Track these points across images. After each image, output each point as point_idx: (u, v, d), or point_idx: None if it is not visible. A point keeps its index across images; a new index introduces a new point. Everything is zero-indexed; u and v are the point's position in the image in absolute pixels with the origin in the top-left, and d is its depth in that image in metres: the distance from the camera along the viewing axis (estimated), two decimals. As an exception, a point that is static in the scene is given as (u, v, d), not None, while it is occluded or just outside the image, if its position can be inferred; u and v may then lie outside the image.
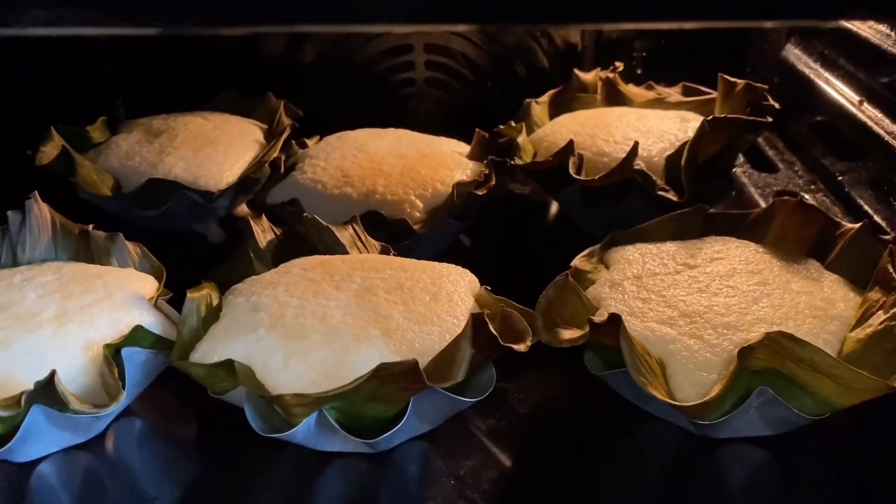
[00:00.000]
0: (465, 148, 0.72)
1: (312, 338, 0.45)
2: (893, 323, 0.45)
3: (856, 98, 0.70)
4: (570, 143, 0.64)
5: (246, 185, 0.71)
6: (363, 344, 0.44)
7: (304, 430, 0.43)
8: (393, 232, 0.61)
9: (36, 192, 0.56)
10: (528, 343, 0.43)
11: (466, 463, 0.47)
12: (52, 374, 0.41)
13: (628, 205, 0.65)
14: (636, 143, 0.62)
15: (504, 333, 0.43)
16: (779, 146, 0.82)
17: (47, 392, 0.41)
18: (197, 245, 0.72)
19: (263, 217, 0.57)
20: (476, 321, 0.41)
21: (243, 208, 0.76)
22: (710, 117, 0.63)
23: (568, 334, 0.46)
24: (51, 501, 0.46)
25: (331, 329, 0.45)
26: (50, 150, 0.69)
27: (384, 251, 0.58)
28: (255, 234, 0.55)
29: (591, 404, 0.52)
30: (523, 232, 0.75)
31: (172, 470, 0.49)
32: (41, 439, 0.45)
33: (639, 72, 0.91)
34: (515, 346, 0.42)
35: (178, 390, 0.52)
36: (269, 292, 0.49)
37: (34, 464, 0.47)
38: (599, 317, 0.45)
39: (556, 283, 0.49)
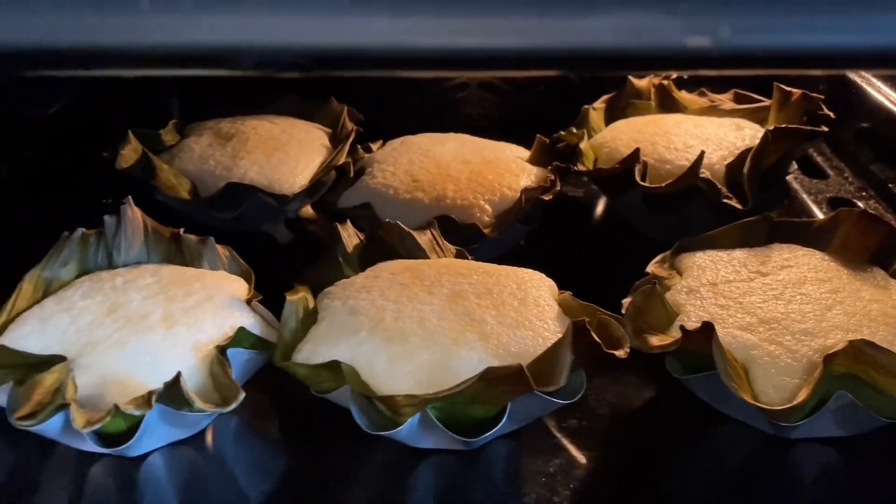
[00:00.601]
0: (525, 152, 0.75)
1: (413, 341, 0.47)
2: (966, 331, 0.47)
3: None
4: (636, 152, 0.66)
5: (314, 189, 0.73)
6: (462, 348, 0.47)
7: (407, 429, 0.45)
8: (463, 236, 0.63)
9: (129, 198, 0.59)
10: (627, 350, 0.46)
11: (554, 461, 0.50)
12: (178, 375, 0.43)
13: (689, 210, 0.67)
14: (702, 153, 0.64)
15: (601, 340, 0.45)
16: (826, 152, 0.84)
17: (173, 392, 0.43)
18: (266, 245, 0.75)
19: (348, 223, 0.59)
20: (577, 328, 0.43)
21: (307, 209, 0.79)
22: (773, 127, 0.65)
23: (657, 340, 0.48)
24: (158, 492, 0.49)
25: (429, 333, 0.48)
26: (129, 154, 0.71)
27: (459, 255, 0.60)
28: (343, 240, 0.57)
29: (667, 405, 0.54)
30: (579, 235, 0.77)
31: (268, 464, 0.51)
32: (153, 435, 0.48)
33: (685, 77, 0.92)
34: (617, 353, 0.45)
35: (271, 389, 0.55)
36: (365, 296, 0.51)
37: (142, 457, 0.50)
38: (687, 324, 0.47)
39: (644, 291, 0.51)
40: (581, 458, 0.50)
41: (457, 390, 0.43)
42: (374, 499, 0.49)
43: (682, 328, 0.46)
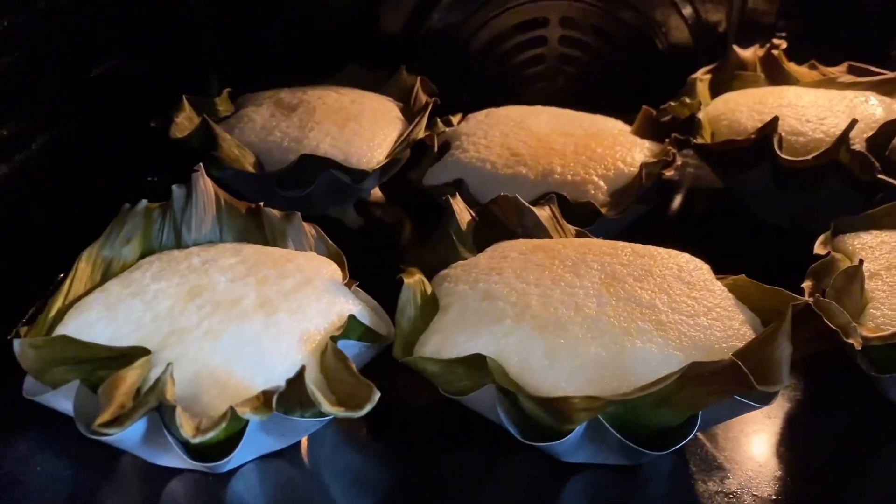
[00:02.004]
0: (625, 126, 0.66)
1: (574, 331, 0.39)
2: None
3: None
4: (775, 120, 0.58)
5: (389, 166, 0.64)
6: (637, 339, 0.38)
7: (572, 439, 0.37)
8: (576, 215, 0.55)
9: (201, 165, 0.50)
10: (860, 338, 0.37)
11: (730, 481, 0.41)
12: (302, 370, 0.34)
13: (823, 189, 0.59)
14: (854, 121, 0.56)
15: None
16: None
17: (296, 392, 0.34)
18: (334, 231, 0.65)
19: (458, 197, 0.50)
20: (800, 312, 0.34)
21: (377, 192, 0.70)
22: (930, 95, 0.57)
23: (872, 332, 0.39)
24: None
25: (592, 322, 0.39)
26: (184, 123, 0.62)
27: (580, 235, 0.52)
28: (456, 215, 0.48)
29: (844, 409, 0.46)
30: (684, 219, 0.69)
31: (370, 481, 0.43)
32: (246, 447, 0.39)
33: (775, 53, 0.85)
34: (852, 341, 0.36)
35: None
36: (497, 278, 0.43)
37: (229, 473, 0.41)
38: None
39: (847, 272, 0.43)
40: (758, 475, 0.41)
41: (652, 391, 0.34)
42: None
43: (914, 315, 0.38)
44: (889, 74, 0.69)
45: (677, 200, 0.71)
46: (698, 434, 0.44)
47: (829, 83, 0.71)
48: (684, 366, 0.34)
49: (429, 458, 0.43)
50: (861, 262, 0.43)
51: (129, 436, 0.36)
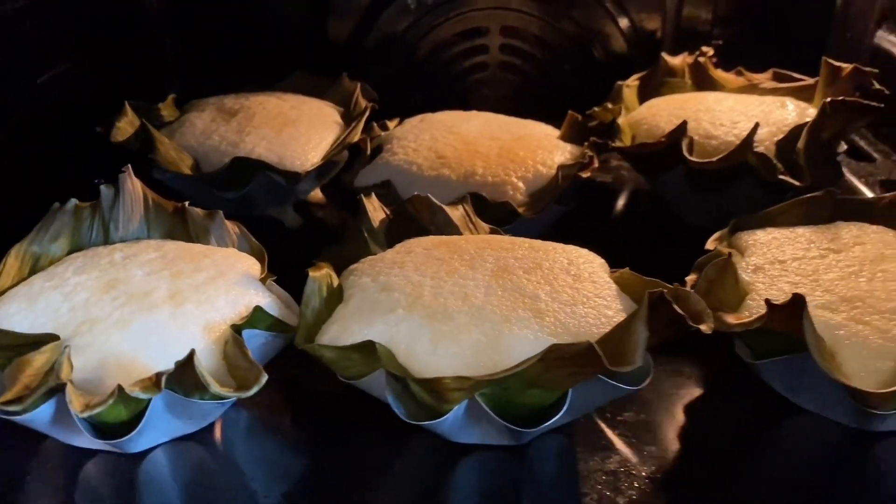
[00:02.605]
0: (554, 131, 0.69)
1: (458, 319, 0.41)
2: None
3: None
4: (683, 124, 0.61)
5: (326, 169, 0.67)
6: (515, 326, 0.41)
7: (453, 418, 0.40)
8: (495, 215, 0.57)
9: (129, 166, 0.53)
10: (711, 324, 0.40)
11: (614, 458, 0.44)
12: (192, 353, 0.37)
13: (734, 190, 0.62)
14: (756, 124, 0.59)
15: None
16: (868, 136, 0.79)
17: (185, 373, 0.37)
18: (273, 230, 0.68)
19: (373, 196, 0.53)
20: (653, 299, 0.37)
21: (317, 193, 0.73)
22: (831, 99, 0.60)
23: (734, 319, 0.42)
24: (160, 494, 0.42)
25: (476, 310, 0.42)
26: (125, 127, 0.65)
27: (493, 233, 0.54)
28: (368, 213, 0.51)
29: (730, 396, 0.49)
30: (609, 219, 0.72)
31: (283, 464, 0.45)
32: (155, 428, 0.42)
33: (714, 60, 0.88)
34: (701, 327, 0.39)
35: (286, 379, 0.49)
36: (398, 272, 0.46)
37: (142, 454, 0.43)
38: (766, 299, 0.41)
39: (717, 264, 0.46)
40: (642, 455, 0.44)
41: (515, 371, 0.37)
42: (404, 503, 0.42)
43: (767, 303, 0.41)
44: (808, 81, 0.72)
45: (608, 201, 0.74)
46: (592, 416, 0.46)
47: (752, 89, 0.74)
48: (544, 348, 0.37)
49: (336, 442, 0.46)
50: (730, 255, 0.46)
51: (39, 416, 0.39)
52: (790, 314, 0.40)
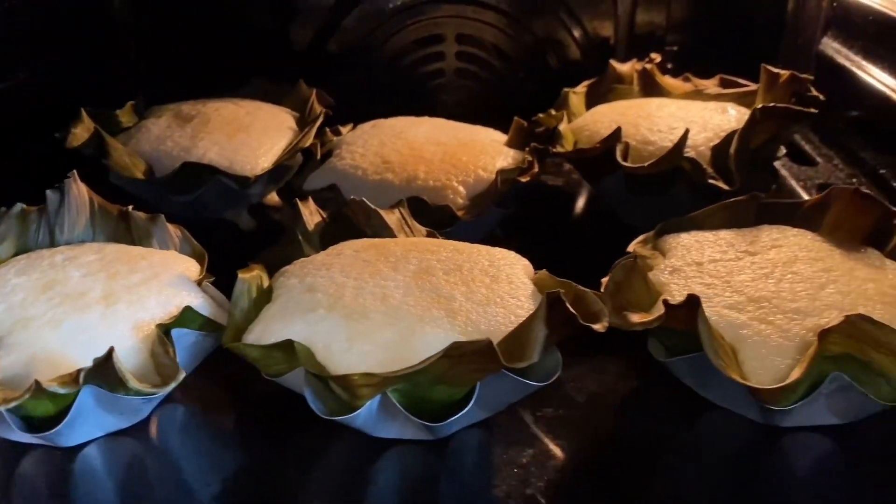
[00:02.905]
0: (503, 136, 0.71)
1: (374, 318, 0.43)
2: (968, 309, 0.44)
3: (896, 85, 0.69)
4: (618, 130, 0.63)
5: (278, 173, 0.69)
6: (427, 325, 0.43)
7: (366, 414, 0.42)
8: (435, 218, 0.59)
9: (75, 172, 0.55)
10: (605, 323, 0.42)
11: (527, 452, 0.46)
12: (111, 351, 0.39)
13: (672, 194, 0.64)
14: (686, 130, 0.61)
15: (579, 314, 0.41)
16: (815, 140, 0.81)
17: (104, 370, 0.39)
18: (228, 233, 0.71)
19: (310, 200, 0.55)
20: (551, 300, 0.39)
21: (273, 197, 0.75)
22: (761, 106, 0.62)
23: (638, 318, 0.44)
24: (95, 488, 0.44)
25: (392, 310, 0.44)
26: (81, 132, 0.67)
27: (430, 236, 0.56)
28: (303, 217, 0.53)
29: (648, 393, 0.51)
30: (559, 223, 0.74)
31: (216, 458, 0.47)
32: (87, 422, 0.44)
33: (669, 66, 0.90)
34: (595, 326, 0.41)
35: (222, 377, 0.51)
36: (324, 273, 0.47)
37: (78, 448, 0.45)
38: (670, 298, 0.43)
39: (624, 266, 0.48)
40: (557, 449, 0.46)
41: (418, 368, 0.39)
42: (332, 494, 0.44)
43: (664, 302, 0.43)
44: (751, 87, 0.74)
45: (556, 204, 0.76)
46: (516, 411, 0.48)
47: (698, 95, 0.76)
48: (446, 346, 0.39)
49: (267, 436, 0.48)
50: (635, 257, 0.48)
51: (-30, 413, 0.41)
52: (687, 314, 0.42)
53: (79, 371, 0.39)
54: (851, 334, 0.41)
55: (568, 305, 0.39)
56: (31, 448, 0.45)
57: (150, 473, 0.46)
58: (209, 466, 0.46)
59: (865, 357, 0.42)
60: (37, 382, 0.38)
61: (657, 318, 0.43)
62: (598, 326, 0.41)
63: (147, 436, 0.48)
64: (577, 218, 0.75)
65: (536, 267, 0.51)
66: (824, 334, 0.41)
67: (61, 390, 0.38)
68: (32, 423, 0.42)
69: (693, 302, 0.41)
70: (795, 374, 0.41)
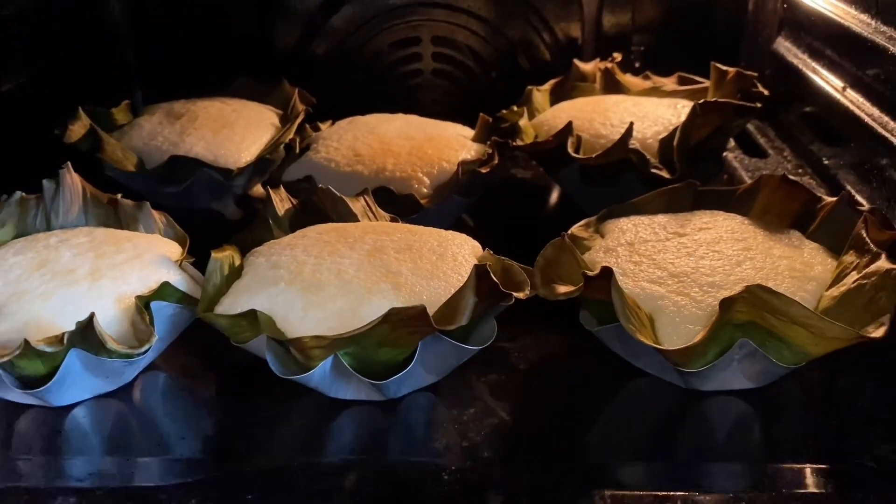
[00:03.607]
0: (470, 132, 0.76)
1: (328, 290, 0.49)
2: (865, 281, 0.49)
3: (840, 85, 0.74)
4: (569, 125, 0.68)
5: (262, 166, 0.75)
6: (375, 296, 0.48)
7: (319, 374, 0.47)
8: (401, 206, 0.65)
9: (69, 163, 0.60)
10: (527, 292, 0.47)
11: (469, 411, 0.51)
12: (92, 315, 0.44)
13: (624, 184, 0.69)
14: (631, 124, 0.66)
15: (504, 284, 0.47)
16: (770, 134, 0.86)
17: (87, 333, 0.45)
18: (215, 222, 0.76)
19: (281, 188, 0.61)
20: (479, 271, 0.44)
21: (259, 188, 0.80)
22: (702, 101, 0.67)
23: (563, 288, 0.49)
24: (83, 443, 0.50)
25: (345, 283, 0.49)
26: (78, 129, 0.73)
27: (393, 222, 0.61)
28: (274, 203, 0.59)
29: (585, 362, 0.55)
30: (523, 212, 0.79)
31: (193, 418, 0.52)
32: (76, 384, 0.49)
33: (637, 65, 0.95)
34: (515, 294, 0.46)
35: (199, 348, 0.56)
36: (288, 252, 0.53)
37: (68, 408, 0.51)
38: (584, 272, 0.49)
39: (554, 244, 0.53)
40: (496, 409, 0.51)
41: (362, 331, 0.44)
42: (295, 448, 0.49)
43: (584, 275, 0.48)
44: (704, 83, 0.79)
45: (520, 194, 0.81)
46: (463, 376, 0.53)
47: (655, 92, 0.80)
48: (385, 311, 0.44)
49: (239, 399, 0.53)
50: (564, 235, 0.53)
51: (-28, 372, 0.46)
52: (603, 284, 0.47)
53: (63, 333, 0.45)
54: (752, 303, 0.46)
55: (492, 276, 0.44)
56: (27, 408, 0.51)
57: (134, 431, 0.51)
58: (186, 426, 0.52)
59: (767, 324, 0.47)
60: (26, 341, 0.44)
61: (577, 288, 0.48)
62: (518, 294, 0.46)
63: (131, 398, 0.53)
64: (540, 207, 0.80)
65: (494, 250, 0.56)
66: (727, 302, 0.46)
67: (48, 349, 0.44)
68: (26, 382, 0.47)
69: (607, 273, 0.46)
70: (699, 337, 0.46)
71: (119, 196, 0.60)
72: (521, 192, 0.82)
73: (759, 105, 0.70)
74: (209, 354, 0.57)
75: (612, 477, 0.46)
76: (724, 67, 0.75)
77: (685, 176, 0.65)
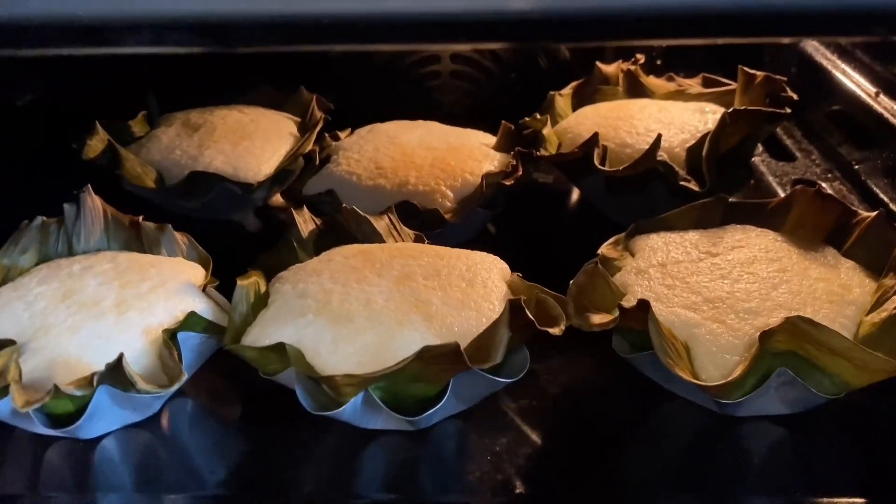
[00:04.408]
0: (492, 139, 0.75)
1: (358, 322, 0.48)
2: (907, 307, 0.48)
3: (872, 89, 0.72)
4: (595, 136, 0.66)
5: (282, 177, 0.73)
6: (406, 328, 0.47)
7: (351, 409, 0.46)
8: (425, 221, 0.64)
9: (89, 186, 0.60)
10: (562, 327, 0.46)
11: (501, 440, 0.50)
12: (121, 356, 0.44)
13: (651, 193, 0.68)
14: (659, 135, 0.64)
15: (539, 318, 0.46)
16: (796, 135, 0.84)
17: (116, 373, 0.44)
18: (235, 233, 0.75)
19: (305, 208, 0.60)
20: (513, 306, 0.44)
21: (278, 198, 0.79)
22: (731, 109, 0.66)
23: (598, 319, 0.48)
24: (113, 475, 0.49)
25: (374, 314, 0.48)
26: (96, 144, 0.72)
27: (418, 240, 0.61)
28: (298, 224, 0.58)
29: (618, 385, 0.55)
30: (547, 219, 0.77)
31: (223, 447, 0.52)
32: (105, 417, 0.49)
33: (658, 63, 0.93)
34: (550, 330, 0.45)
35: (226, 373, 0.56)
36: (315, 279, 0.52)
37: (97, 440, 0.51)
38: (628, 302, 0.48)
39: (586, 270, 0.52)
40: (529, 437, 0.51)
41: (394, 369, 0.44)
42: (326, 479, 0.49)
43: (619, 306, 0.47)
44: (732, 85, 0.77)
45: (545, 203, 0.80)
46: (496, 402, 0.53)
47: (680, 94, 0.79)
48: (419, 349, 0.43)
49: (267, 427, 0.53)
50: (597, 262, 0.52)
51: (1, 409, 0.46)
52: (640, 315, 0.46)
53: (93, 375, 0.44)
54: (793, 333, 0.45)
55: (527, 312, 0.43)
56: (55, 440, 0.51)
57: (162, 461, 0.51)
58: (215, 455, 0.51)
59: (807, 354, 0.46)
60: (55, 386, 0.43)
61: (613, 319, 0.47)
62: (553, 330, 0.45)
63: (159, 427, 0.53)
64: (565, 215, 0.79)
65: (519, 266, 0.55)
66: (766, 335, 0.45)
67: (77, 392, 0.44)
68: (55, 420, 0.47)
69: (644, 305, 0.45)
70: (739, 371, 0.45)
71: (141, 218, 0.59)
72: (543, 197, 0.80)
73: (789, 111, 0.68)
74: (236, 377, 0.56)
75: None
76: (752, 71, 0.73)
77: (714, 187, 0.64)
